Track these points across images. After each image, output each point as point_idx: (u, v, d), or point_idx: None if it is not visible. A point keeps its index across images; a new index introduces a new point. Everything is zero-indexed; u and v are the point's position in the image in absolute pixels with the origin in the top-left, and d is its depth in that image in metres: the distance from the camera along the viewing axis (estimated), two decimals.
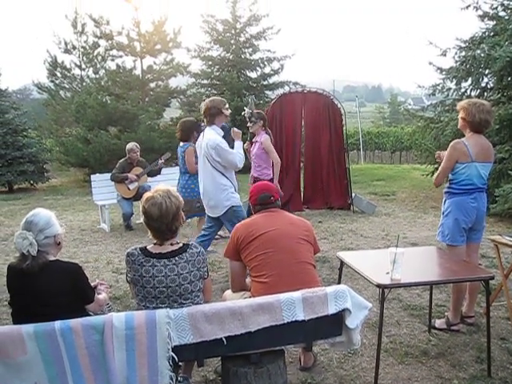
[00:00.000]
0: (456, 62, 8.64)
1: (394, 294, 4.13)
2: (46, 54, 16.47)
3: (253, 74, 15.54)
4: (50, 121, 16.67)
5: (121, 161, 7.05)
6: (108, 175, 7.08)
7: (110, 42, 14.48)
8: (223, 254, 2.99)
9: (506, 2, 8.16)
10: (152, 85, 14.89)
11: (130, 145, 7.01)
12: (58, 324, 2.11)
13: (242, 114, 5.39)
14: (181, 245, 2.44)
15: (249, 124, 5.55)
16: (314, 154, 8.21)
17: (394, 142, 20.21)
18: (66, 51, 16.51)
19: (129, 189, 6.90)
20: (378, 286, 2.66)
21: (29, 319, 2.18)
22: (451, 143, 3.36)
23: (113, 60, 15.10)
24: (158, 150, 11.23)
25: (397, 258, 2.66)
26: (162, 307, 2.32)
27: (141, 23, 13.80)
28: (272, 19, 15.17)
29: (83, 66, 16.74)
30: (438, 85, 8.95)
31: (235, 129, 4.41)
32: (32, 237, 2.29)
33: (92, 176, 7.46)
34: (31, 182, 12.16)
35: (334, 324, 2.42)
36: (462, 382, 2.82)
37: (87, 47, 16.36)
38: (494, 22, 8.31)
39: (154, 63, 14.54)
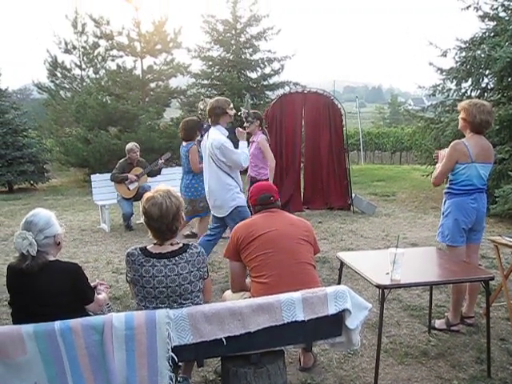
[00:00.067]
0: (456, 62, 8.64)
1: (394, 295, 4.13)
2: (46, 53, 16.50)
3: (253, 75, 15.54)
4: (50, 121, 16.67)
5: (121, 161, 7.05)
6: (108, 175, 7.08)
7: (110, 42, 14.48)
8: (223, 255, 2.99)
9: (506, 3, 8.16)
10: (152, 85, 14.88)
11: (130, 145, 7.01)
12: (57, 324, 2.11)
13: (239, 114, 5.41)
14: (181, 245, 2.44)
15: (245, 124, 5.56)
16: (314, 155, 8.21)
17: (394, 143, 20.21)
18: (67, 51, 16.51)
19: (129, 189, 6.90)
20: (378, 286, 2.66)
21: (28, 319, 2.17)
22: (451, 144, 3.36)
23: (113, 60, 15.11)
24: (158, 150, 11.23)
25: (397, 258, 2.65)
26: (161, 307, 2.32)
27: (141, 23, 13.81)
28: (272, 19, 15.26)
29: (83, 66, 16.75)
30: (439, 85, 8.95)
31: (239, 128, 4.41)
32: (32, 237, 2.29)
33: (92, 176, 7.46)
34: (31, 182, 12.15)
35: (333, 324, 2.42)
36: (462, 383, 2.82)
37: (87, 47, 16.37)
38: (495, 23, 8.32)
39: (155, 63, 14.55)
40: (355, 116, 22.73)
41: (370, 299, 3.85)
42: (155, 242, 2.45)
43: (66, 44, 16.38)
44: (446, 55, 8.79)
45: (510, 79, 7.61)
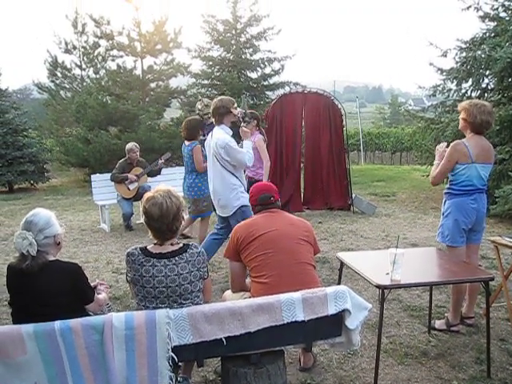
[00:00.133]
0: (456, 62, 8.64)
1: (394, 295, 4.13)
2: (46, 53, 16.48)
3: (253, 75, 15.52)
4: (50, 121, 16.66)
5: (121, 161, 7.05)
6: (108, 175, 7.08)
7: (110, 42, 14.46)
8: (223, 255, 2.99)
9: (506, 3, 8.17)
10: (152, 85, 14.87)
11: (130, 145, 7.01)
12: (57, 324, 2.11)
13: (236, 113, 5.43)
14: (181, 245, 2.45)
15: (242, 124, 5.56)
16: (315, 155, 8.22)
17: (395, 143, 20.21)
18: (67, 51, 16.50)
19: (129, 189, 6.91)
20: (378, 286, 2.66)
21: (28, 319, 2.17)
22: (452, 144, 3.36)
23: (113, 60, 15.09)
24: (158, 150, 11.22)
25: (397, 258, 2.66)
26: (161, 307, 2.32)
27: (141, 23, 13.78)
28: (272, 19, 15.23)
29: (83, 66, 16.74)
30: (439, 85, 8.95)
31: (244, 128, 4.41)
32: (32, 237, 2.29)
33: (92, 176, 7.46)
34: (31, 181, 12.16)
35: (333, 324, 2.42)
36: (462, 383, 2.82)
37: (88, 47, 16.36)
38: (495, 23, 8.32)
39: (155, 63, 14.53)
40: (355, 116, 22.75)
41: (369, 299, 3.85)
42: (155, 241, 2.45)
43: (67, 44, 16.38)
44: (446, 55, 8.79)
45: (510, 80, 7.62)
